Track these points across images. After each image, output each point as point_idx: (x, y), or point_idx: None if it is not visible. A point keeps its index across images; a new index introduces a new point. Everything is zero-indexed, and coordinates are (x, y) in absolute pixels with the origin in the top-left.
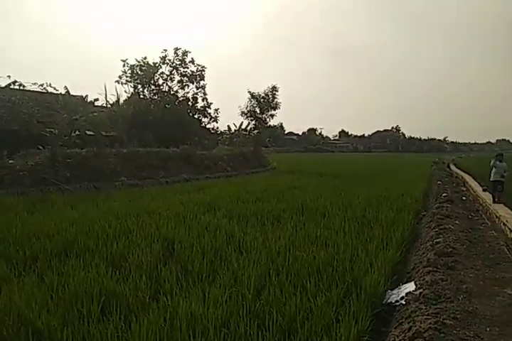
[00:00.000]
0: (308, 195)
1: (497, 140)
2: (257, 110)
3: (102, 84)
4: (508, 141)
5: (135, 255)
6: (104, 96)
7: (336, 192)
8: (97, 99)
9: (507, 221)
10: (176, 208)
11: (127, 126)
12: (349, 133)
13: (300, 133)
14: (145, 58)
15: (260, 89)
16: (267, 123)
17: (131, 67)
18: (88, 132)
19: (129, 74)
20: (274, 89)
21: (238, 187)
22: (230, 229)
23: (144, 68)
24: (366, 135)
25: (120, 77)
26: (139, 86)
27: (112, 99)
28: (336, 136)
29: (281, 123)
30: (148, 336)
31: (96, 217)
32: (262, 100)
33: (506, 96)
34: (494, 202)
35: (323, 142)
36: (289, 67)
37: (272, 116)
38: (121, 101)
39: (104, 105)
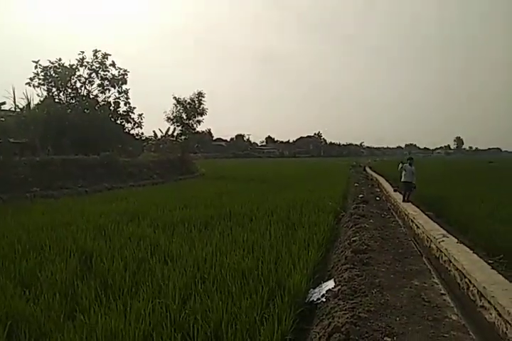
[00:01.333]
0: (236, 200)
1: (406, 145)
2: (184, 116)
3: (9, 86)
4: (415, 145)
5: (48, 272)
6: (12, 99)
7: (262, 196)
8: (3, 103)
9: (414, 218)
10: (96, 219)
11: (40, 132)
12: (275, 140)
13: (228, 140)
14: (60, 60)
15: (186, 95)
16: (194, 129)
17: (45, 68)
18: None
19: (41, 77)
20: (200, 94)
21: (165, 195)
22: (155, 238)
23: (58, 70)
24: (291, 141)
25: (31, 79)
26: (54, 89)
27: (22, 103)
28: (263, 142)
29: (209, 130)
30: None
31: (2, 232)
32: (188, 106)
33: (415, 105)
34: (404, 201)
35: (251, 148)
36: (220, 74)
37: (199, 122)
38: (32, 105)
39: (13, 109)
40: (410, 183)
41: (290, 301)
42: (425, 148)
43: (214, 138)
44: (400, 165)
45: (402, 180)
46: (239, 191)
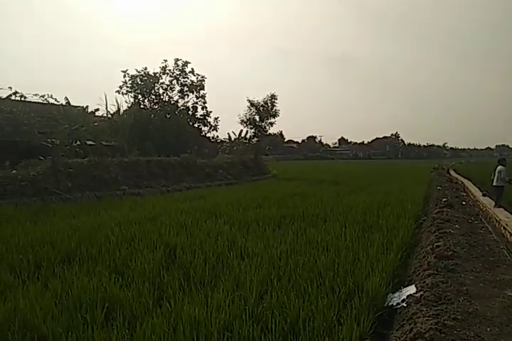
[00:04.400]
0: (309, 201)
1: (496, 145)
2: (257, 118)
3: (102, 94)
4: (508, 146)
5: (138, 262)
6: (104, 106)
7: (336, 198)
8: (97, 110)
9: (507, 224)
10: (178, 216)
11: (128, 135)
12: (349, 141)
13: (300, 141)
14: (145, 68)
15: (260, 97)
16: (266, 131)
17: (132, 77)
18: (89, 142)
19: (129, 85)
20: (273, 97)
21: (239, 195)
22: (231, 235)
23: (144, 78)
24: (366, 142)
25: (121, 88)
26: (140, 96)
27: (113, 110)
28: (336, 143)
29: (281, 131)
30: (153, 339)
31: (98, 225)
32: (261, 108)
33: (506, 103)
34: (495, 206)
35: (323, 149)
36: (290, 75)
37: (272, 124)
38: (121, 111)
39: (105, 115)
40: (502, 187)
41: (368, 304)
42: None
43: (285, 140)
44: (499, 168)
45: (494, 184)
46: (311, 192)
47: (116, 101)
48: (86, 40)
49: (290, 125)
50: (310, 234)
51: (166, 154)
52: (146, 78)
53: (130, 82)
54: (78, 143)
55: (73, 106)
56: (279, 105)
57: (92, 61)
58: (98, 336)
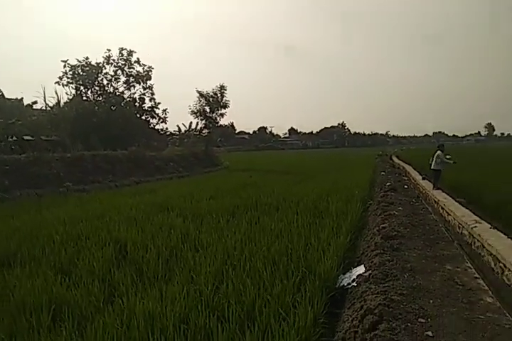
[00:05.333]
0: (262, 190)
1: (433, 133)
2: (207, 109)
3: (39, 86)
4: (444, 133)
5: (86, 260)
6: (43, 99)
7: (287, 187)
8: (35, 102)
9: (444, 205)
10: (127, 211)
11: (70, 129)
12: (298, 131)
13: (251, 132)
14: (87, 58)
15: (209, 88)
16: (217, 123)
17: (73, 67)
18: (26, 137)
19: (70, 76)
20: (222, 87)
21: (191, 187)
22: (184, 228)
23: (86, 69)
24: (314, 132)
25: (60, 78)
26: (82, 87)
27: (52, 102)
28: (286, 133)
29: (232, 123)
30: (105, 338)
31: (40, 224)
32: (211, 99)
33: (442, 91)
34: (434, 188)
35: (273, 140)
36: (241, 66)
37: (222, 115)
38: (62, 103)
39: (44, 108)
40: (440, 171)
41: (321, 286)
42: (454, 135)
43: (237, 131)
44: (437, 153)
45: (432, 167)
46: (263, 182)
47: (56, 93)
48: (17, 25)
49: (241, 116)
50: (263, 223)
51: (113, 148)
52: (88, 68)
53: (71, 72)
54: (14, 138)
55: (7, 98)
56: (228, 96)
57: (26, 49)
58: (45, 339)
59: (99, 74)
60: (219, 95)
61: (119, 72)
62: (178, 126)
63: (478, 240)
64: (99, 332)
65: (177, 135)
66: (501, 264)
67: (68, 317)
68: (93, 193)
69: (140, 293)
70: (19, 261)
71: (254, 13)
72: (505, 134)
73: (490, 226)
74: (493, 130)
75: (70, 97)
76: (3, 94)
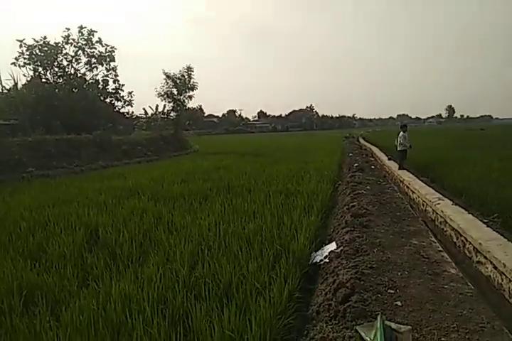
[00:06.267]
0: (233, 173)
1: (397, 115)
2: (174, 91)
3: None
4: (407, 115)
5: (55, 245)
6: None
7: (258, 169)
8: None
9: (409, 184)
10: (96, 196)
11: (30, 112)
12: (267, 114)
13: (220, 115)
14: (45, 38)
15: (175, 70)
16: (185, 106)
17: (30, 47)
18: None
19: (27, 56)
20: (189, 69)
21: (161, 171)
22: (157, 211)
23: (44, 49)
24: (283, 115)
25: (17, 59)
26: (40, 68)
27: (9, 84)
28: (255, 117)
29: (201, 106)
30: (81, 320)
31: (5, 211)
32: (178, 81)
33: (407, 78)
34: (400, 168)
35: (243, 123)
36: (210, 48)
37: (190, 97)
38: (20, 85)
39: (0, 91)
40: (405, 151)
41: (295, 263)
42: (417, 117)
43: (205, 115)
44: (400, 134)
45: (398, 148)
46: (235, 165)
47: (12, 75)
48: None
49: (210, 99)
50: (236, 205)
51: (77, 132)
52: (46, 48)
53: (28, 52)
54: None
55: None
56: (196, 77)
57: None
58: (18, 324)
59: (59, 55)
60: (186, 77)
61: (80, 52)
62: (144, 109)
63: (441, 216)
64: (75, 314)
65: (144, 118)
66: (463, 238)
67: (42, 302)
68: (58, 178)
69: (115, 275)
70: None
71: None
72: (465, 116)
73: (452, 202)
74: (454, 112)
75: (28, 79)
76: None
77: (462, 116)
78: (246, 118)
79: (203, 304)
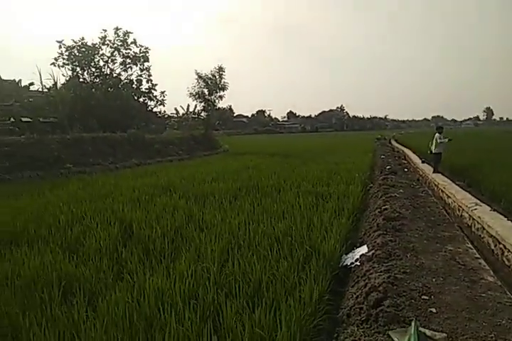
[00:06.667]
0: (262, 173)
1: (432, 117)
2: (206, 91)
3: (35, 67)
4: (442, 117)
5: (92, 239)
6: (39, 80)
7: (288, 169)
8: (32, 84)
9: (444, 188)
10: (130, 192)
11: (68, 111)
12: (297, 115)
13: (249, 116)
14: (83, 39)
15: (207, 70)
16: (216, 105)
17: (68, 48)
18: (24, 118)
19: (66, 57)
20: (220, 69)
21: (192, 170)
22: (188, 209)
23: (82, 49)
24: (313, 115)
25: (56, 60)
26: (78, 68)
27: (49, 83)
28: (285, 117)
29: (230, 106)
30: (116, 312)
31: (44, 205)
32: (209, 81)
33: (440, 75)
34: (434, 172)
35: (272, 124)
36: (240, 49)
37: (221, 97)
38: (59, 85)
39: (41, 90)
40: (440, 154)
41: (325, 265)
42: (453, 119)
43: (235, 115)
44: (436, 135)
45: (433, 151)
46: (264, 165)
47: (52, 75)
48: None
49: (239, 99)
50: (266, 204)
51: (111, 130)
52: (84, 49)
53: (67, 53)
54: (12, 120)
55: (4, 80)
56: (227, 78)
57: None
58: (58, 313)
59: (96, 56)
60: (217, 77)
61: (116, 53)
62: (175, 108)
63: (478, 222)
64: (111, 306)
65: (175, 118)
66: (501, 245)
67: (79, 293)
68: (94, 175)
69: (148, 270)
70: (26, 240)
71: None
72: (504, 118)
73: (490, 208)
74: (492, 114)
75: (67, 79)
76: None
77: (501, 118)
78: (275, 118)
79: (234, 302)
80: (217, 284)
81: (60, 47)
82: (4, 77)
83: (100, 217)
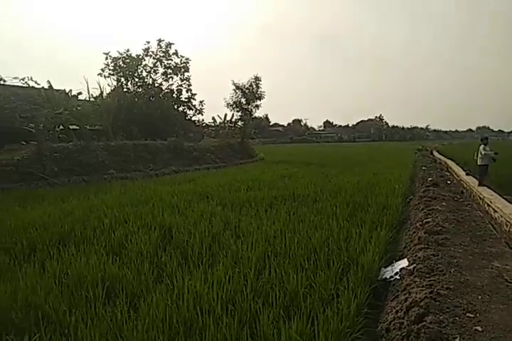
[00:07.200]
0: (298, 182)
1: (477, 127)
2: (243, 101)
3: (83, 78)
4: (488, 127)
5: (134, 242)
6: (86, 89)
7: (324, 179)
8: (80, 93)
9: (491, 202)
10: (169, 198)
11: (112, 119)
12: (334, 124)
13: (285, 125)
14: (128, 50)
15: (244, 80)
16: (252, 115)
17: (114, 59)
18: (72, 126)
19: (111, 67)
20: (257, 79)
21: (229, 178)
22: (224, 216)
23: (127, 61)
24: (350, 125)
25: (103, 70)
26: (122, 79)
27: (96, 93)
28: (321, 126)
29: (266, 115)
30: (157, 314)
31: (90, 208)
32: (246, 91)
33: (486, 84)
34: (480, 184)
35: (308, 133)
36: (275, 58)
37: (258, 106)
38: (104, 94)
39: (88, 99)
40: (486, 166)
41: (363, 277)
42: (499, 130)
43: (271, 124)
44: (482, 147)
45: (478, 163)
46: (300, 174)
47: (99, 85)
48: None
49: (275, 108)
50: (302, 214)
51: (152, 138)
52: (128, 60)
53: (112, 64)
54: (61, 127)
55: (55, 89)
56: (263, 87)
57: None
58: (102, 312)
59: (139, 66)
60: (254, 86)
61: (158, 63)
62: (213, 117)
63: None
64: (152, 308)
65: (212, 126)
66: None
67: (122, 294)
68: (135, 181)
69: (186, 274)
70: (73, 241)
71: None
72: None
73: None
74: None
75: (112, 88)
76: (51, 85)
77: None
78: (311, 127)
79: (270, 310)
80: (254, 291)
81: (106, 58)
82: (56, 87)
83: (141, 221)
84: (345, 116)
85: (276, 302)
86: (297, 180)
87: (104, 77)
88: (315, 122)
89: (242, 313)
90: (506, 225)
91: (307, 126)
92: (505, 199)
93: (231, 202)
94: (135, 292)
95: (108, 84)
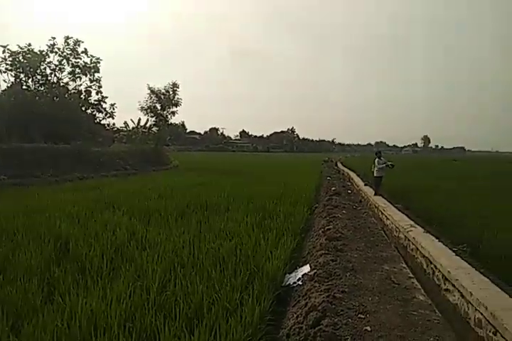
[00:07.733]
0: (212, 191)
1: (375, 142)
2: (158, 106)
3: None
4: (385, 142)
5: (22, 257)
6: None
7: (238, 188)
8: None
9: (384, 210)
10: (69, 207)
11: (7, 119)
12: (249, 134)
13: (202, 133)
14: (29, 45)
15: (161, 85)
16: (168, 121)
17: (13, 53)
18: None
19: (9, 62)
20: (174, 85)
21: (139, 185)
22: (131, 226)
23: (27, 56)
24: (265, 136)
25: None
26: (22, 75)
27: None
28: (237, 135)
29: (183, 122)
30: (43, 337)
31: None
32: (162, 96)
33: (384, 105)
34: (375, 194)
35: (224, 141)
36: (194, 67)
37: (174, 113)
38: None
39: None
40: (381, 178)
41: (268, 285)
42: (394, 145)
43: (187, 131)
44: (376, 161)
45: (375, 175)
46: (214, 183)
47: None
48: None
49: (192, 116)
50: (213, 223)
51: (55, 141)
52: (30, 56)
53: (11, 58)
54: None
55: None
56: (181, 94)
57: None
58: None
59: (42, 63)
60: (171, 93)
61: (64, 61)
62: (125, 122)
63: (412, 243)
64: (37, 331)
65: (124, 131)
66: (432, 266)
67: (3, 316)
68: (31, 188)
69: (82, 291)
70: None
71: (209, 15)
72: (439, 147)
73: (424, 230)
74: (429, 142)
75: (8, 85)
76: None
77: (437, 146)
78: (228, 136)
79: (173, 324)
80: (157, 306)
81: (3, 51)
82: None
83: (34, 233)
84: (260, 127)
85: (179, 316)
86: (210, 189)
87: (1, 72)
88: (231, 132)
89: (141, 330)
90: (396, 231)
91: (224, 135)
92: (396, 207)
93: (139, 211)
94: (19, 313)
95: (4, 81)
